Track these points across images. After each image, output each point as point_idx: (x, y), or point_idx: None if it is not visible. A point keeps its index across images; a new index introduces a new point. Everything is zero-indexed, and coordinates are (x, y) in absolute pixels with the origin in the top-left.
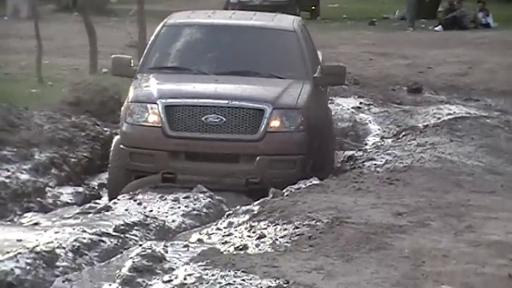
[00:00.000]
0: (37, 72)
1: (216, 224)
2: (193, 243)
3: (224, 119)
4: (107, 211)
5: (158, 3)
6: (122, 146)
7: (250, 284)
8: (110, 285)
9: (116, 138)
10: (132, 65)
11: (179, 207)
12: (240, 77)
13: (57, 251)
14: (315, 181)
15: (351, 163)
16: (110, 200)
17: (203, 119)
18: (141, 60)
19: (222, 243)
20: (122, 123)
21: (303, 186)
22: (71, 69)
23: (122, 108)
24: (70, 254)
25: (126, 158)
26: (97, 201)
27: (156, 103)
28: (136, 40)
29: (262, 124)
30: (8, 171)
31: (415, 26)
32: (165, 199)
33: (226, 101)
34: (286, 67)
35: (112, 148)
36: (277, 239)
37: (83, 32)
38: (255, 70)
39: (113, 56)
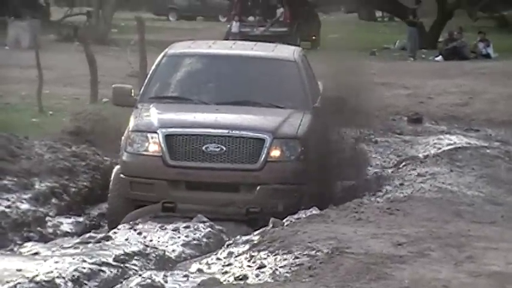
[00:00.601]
0: (38, 101)
1: (216, 254)
2: (193, 273)
3: (224, 149)
4: (107, 241)
5: (159, 33)
6: (122, 175)
7: None
8: None
9: (116, 167)
10: (132, 94)
11: (179, 237)
12: (241, 106)
13: (57, 280)
14: (315, 211)
15: (351, 193)
16: (110, 229)
17: (203, 148)
18: (142, 89)
19: (222, 273)
20: (122, 152)
21: (303, 216)
22: (72, 99)
23: (122, 138)
24: (70, 284)
25: (127, 187)
26: (97, 231)
27: (156, 132)
28: (137, 70)
29: (262, 154)
30: (8, 200)
31: (416, 56)
32: (165, 229)
33: (227, 131)
34: (287, 97)
35: (112, 177)
36: (277, 269)
37: (83, 62)
38: (256, 100)
39: (113, 85)
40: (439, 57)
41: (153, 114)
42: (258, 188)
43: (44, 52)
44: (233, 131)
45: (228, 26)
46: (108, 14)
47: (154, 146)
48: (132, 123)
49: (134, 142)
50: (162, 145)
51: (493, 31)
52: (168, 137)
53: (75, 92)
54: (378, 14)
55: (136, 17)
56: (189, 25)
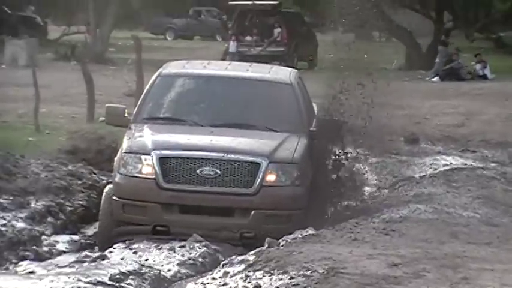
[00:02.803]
0: (34, 120)
1: (211, 274)
2: None
3: (219, 172)
4: (102, 260)
5: (156, 52)
6: (114, 197)
7: None
8: None
9: (107, 187)
10: (126, 114)
11: (175, 256)
12: (236, 129)
13: None
14: (311, 231)
15: (347, 213)
16: (100, 250)
17: (198, 171)
18: (136, 110)
19: None
20: (115, 174)
21: (299, 236)
22: (68, 118)
23: (115, 159)
24: None
25: (119, 210)
26: (92, 249)
27: (150, 154)
28: (134, 89)
29: (257, 178)
30: (4, 219)
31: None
32: (161, 248)
33: (222, 154)
34: (282, 120)
35: (103, 198)
36: None
37: (80, 80)
38: (251, 123)
39: (106, 105)
40: (436, 78)
41: (147, 136)
42: (253, 212)
43: (41, 71)
44: (228, 155)
45: (226, 45)
46: (105, 33)
47: (147, 168)
48: (125, 144)
49: (127, 164)
50: (156, 167)
51: (490, 52)
52: (162, 160)
53: (72, 110)
54: (375, 34)
55: (134, 36)
56: (186, 44)
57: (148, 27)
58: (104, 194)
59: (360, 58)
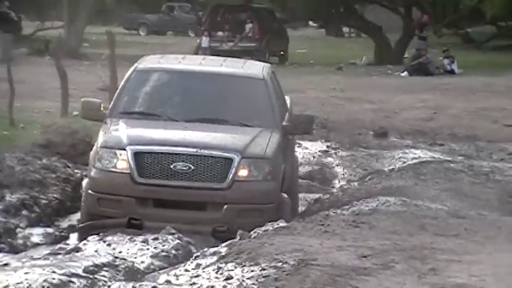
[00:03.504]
0: (9, 114)
1: (184, 266)
2: (162, 284)
3: (192, 167)
4: (77, 252)
5: (130, 47)
6: (90, 191)
7: None
8: None
9: (85, 181)
10: (102, 108)
11: (148, 249)
12: (209, 124)
13: None
14: (282, 223)
15: (318, 206)
16: (80, 241)
17: (172, 166)
18: (111, 104)
19: (190, 284)
20: (90, 168)
21: (270, 228)
22: (43, 112)
23: (91, 153)
24: None
25: (94, 204)
26: (67, 242)
27: (125, 149)
28: (108, 84)
29: (230, 173)
30: None
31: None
32: (134, 240)
33: (195, 149)
34: (255, 115)
35: (83, 192)
36: (244, 281)
37: (55, 76)
38: (224, 118)
39: (82, 99)
40: (405, 73)
41: (122, 131)
42: (225, 207)
43: (15, 66)
44: (201, 150)
45: (198, 40)
46: (79, 28)
47: (122, 163)
48: (100, 139)
49: (103, 158)
50: (131, 162)
51: (458, 47)
52: (136, 155)
53: (46, 105)
54: (345, 30)
55: (107, 31)
56: (159, 40)
57: (122, 22)
58: (83, 187)
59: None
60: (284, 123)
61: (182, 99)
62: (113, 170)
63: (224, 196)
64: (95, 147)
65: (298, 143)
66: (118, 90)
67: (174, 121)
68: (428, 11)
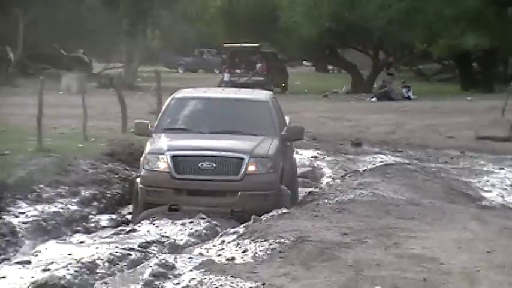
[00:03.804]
0: (83, 131)
1: (212, 242)
2: (196, 255)
3: (215, 165)
4: (133, 232)
5: (171, 81)
6: (141, 185)
7: (237, 285)
8: (135, 286)
9: (137, 180)
10: (149, 127)
11: (185, 229)
12: (227, 134)
13: (97, 261)
14: (284, 210)
15: (310, 197)
16: (135, 224)
17: (199, 165)
18: (155, 123)
19: (217, 255)
20: (141, 169)
21: (276, 213)
22: (108, 129)
23: (141, 158)
24: (106, 264)
25: (144, 194)
26: (126, 225)
27: (165, 154)
28: (155, 108)
29: (242, 168)
30: (62, 203)
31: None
32: (175, 223)
33: (217, 152)
34: (260, 127)
35: (135, 188)
36: (256, 253)
37: (116, 103)
38: (238, 130)
39: (135, 121)
40: (374, 99)
41: (163, 141)
42: (239, 193)
43: (87, 96)
44: (221, 152)
45: (221, 76)
46: (134, 67)
47: (164, 164)
48: (148, 148)
49: (150, 161)
50: (170, 163)
51: (413, 80)
52: (174, 157)
53: (110, 124)
54: (330, 67)
55: (155, 70)
56: (192, 76)
57: (165, 63)
58: (135, 184)
59: (319, 85)
60: (282, 132)
61: (207, 118)
62: (157, 169)
63: (238, 185)
64: (144, 154)
65: (296, 151)
66: (161, 113)
67: (201, 133)
68: (391, 53)
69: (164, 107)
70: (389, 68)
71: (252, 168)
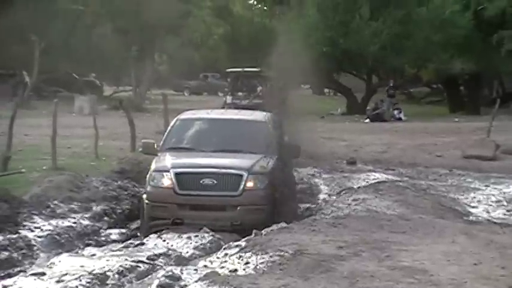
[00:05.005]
0: (95, 150)
1: (216, 254)
2: (200, 267)
3: (216, 182)
4: (142, 245)
5: (178, 103)
6: (146, 201)
7: None
8: None
9: (144, 196)
10: (155, 146)
11: (191, 243)
12: (227, 153)
13: (108, 273)
14: (284, 224)
15: (308, 212)
16: (143, 237)
17: (201, 181)
18: (161, 143)
19: (220, 267)
20: (146, 185)
21: (275, 228)
22: (118, 149)
23: (147, 175)
24: (116, 275)
25: (149, 210)
26: (135, 239)
27: (169, 171)
28: (163, 129)
29: (241, 184)
30: (75, 218)
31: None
32: (181, 237)
33: (217, 169)
34: (259, 146)
35: (142, 203)
36: (258, 265)
37: (126, 124)
38: (238, 148)
39: (142, 140)
40: (367, 120)
41: (168, 159)
42: (239, 208)
43: (99, 117)
44: (221, 170)
45: (224, 98)
46: (143, 90)
47: (168, 180)
48: (153, 165)
49: (155, 178)
50: (173, 180)
51: (404, 102)
52: (177, 174)
53: (120, 144)
54: (326, 90)
55: (162, 93)
56: (197, 98)
57: (172, 86)
58: (142, 200)
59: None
60: (280, 151)
61: (209, 137)
62: (162, 186)
63: (238, 201)
64: (149, 171)
65: (294, 169)
66: (166, 133)
67: (203, 152)
68: (383, 77)
69: (169, 127)
70: (388, 90)
71: (250, 184)
